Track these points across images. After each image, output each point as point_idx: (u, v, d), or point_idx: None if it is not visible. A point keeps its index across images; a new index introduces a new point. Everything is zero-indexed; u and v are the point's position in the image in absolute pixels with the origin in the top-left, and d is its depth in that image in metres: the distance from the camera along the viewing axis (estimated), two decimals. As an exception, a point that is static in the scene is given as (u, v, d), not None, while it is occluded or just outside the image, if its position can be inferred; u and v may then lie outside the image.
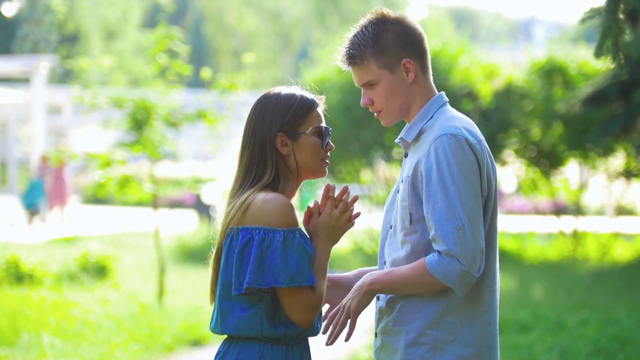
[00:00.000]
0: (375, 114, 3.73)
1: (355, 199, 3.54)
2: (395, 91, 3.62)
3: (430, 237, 3.43)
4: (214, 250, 3.44)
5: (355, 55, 3.63)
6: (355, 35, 3.64)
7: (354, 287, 3.51)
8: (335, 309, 3.53)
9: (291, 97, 3.47)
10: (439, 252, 3.39)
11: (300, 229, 3.38)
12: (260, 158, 3.39)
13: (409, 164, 3.59)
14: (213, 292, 3.45)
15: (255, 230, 3.27)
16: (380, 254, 3.68)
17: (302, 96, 3.51)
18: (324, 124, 3.54)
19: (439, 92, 3.70)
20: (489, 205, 3.52)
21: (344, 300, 3.51)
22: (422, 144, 3.55)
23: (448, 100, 3.71)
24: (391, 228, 3.64)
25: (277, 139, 3.41)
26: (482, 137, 3.55)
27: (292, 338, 3.39)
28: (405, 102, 3.64)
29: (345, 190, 3.50)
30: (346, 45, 3.66)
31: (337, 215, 3.47)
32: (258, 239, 3.26)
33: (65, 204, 24.02)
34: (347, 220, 3.48)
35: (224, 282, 3.32)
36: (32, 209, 23.96)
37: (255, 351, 3.34)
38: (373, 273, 3.50)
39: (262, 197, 3.31)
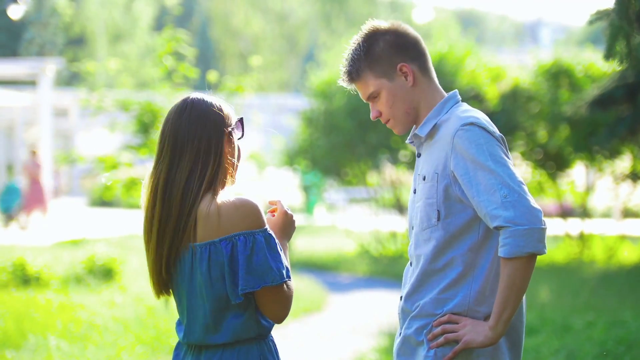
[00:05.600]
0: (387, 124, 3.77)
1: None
2: (398, 98, 3.66)
3: (492, 226, 3.42)
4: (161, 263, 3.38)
5: (351, 72, 3.69)
6: (349, 53, 3.70)
7: (483, 323, 3.51)
8: (453, 327, 3.55)
9: (220, 100, 3.46)
10: (497, 229, 3.40)
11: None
12: (208, 159, 3.35)
13: (426, 162, 3.63)
14: (158, 283, 3.43)
15: (236, 237, 3.27)
16: (409, 254, 3.72)
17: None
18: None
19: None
20: None
21: (467, 328, 3.51)
22: (439, 140, 3.59)
23: (461, 98, 3.74)
24: (412, 229, 3.68)
25: (225, 137, 3.40)
26: (500, 134, 3.58)
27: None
28: (410, 106, 3.67)
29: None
30: (343, 64, 3.72)
31: (290, 215, 3.53)
32: (241, 245, 3.27)
33: (45, 209, 23.89)
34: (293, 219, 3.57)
35: (214, 296, 3.31)
36: (8, 212, 23.99)
37: (256, 352, 3.38)
38: (489, 322, 3.49)
39: (230, 204, 3.30)
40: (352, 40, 3.71)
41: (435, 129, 3.63)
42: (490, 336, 3.45)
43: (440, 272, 3.58)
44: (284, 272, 3.30)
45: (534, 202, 3.38)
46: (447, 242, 3.55)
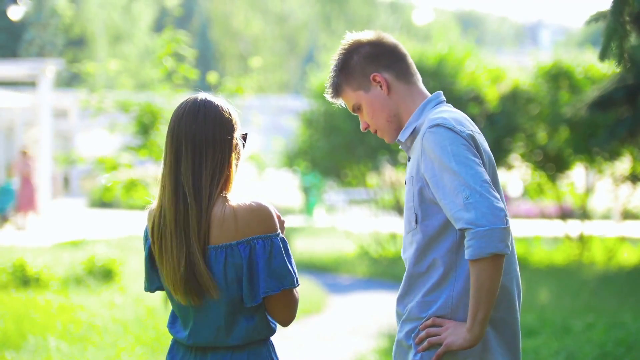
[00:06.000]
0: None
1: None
2: (377, 107, 3.71)
3: (457, 228, 3.43)
4: (181, 264, 3.32)
5: (332, 88, 3.78)
6: (330, 70, 3.79)
7: (463, 325, 3.51)
8: (436, 330, 3.56)
9: (227, 103, 3.46)
10: (461, 230, 3.41)
11: None
12: (223, 161, 3.37)
13: (409, 166, 3.66)
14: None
15: (254, 240, 3.29)
16: (402, 258, 3.75)
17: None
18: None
19: (444, 95, 3.74)
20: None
21: (449, 331, 3.52)
22: (417, 143, 3.61)
23: (444, 99, 3.75)
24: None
25: (234, 143, 3.40)
26: (473, 130, 3.57)
27: None
28: (390, 114, 3.71)
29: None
30: (327, 82, 3.81)
31: (282, 219, 3.51)
32: (260, 248, 3.28)
33: (35, 209, 23.84)
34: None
35: (228, 298, 3.32)
36: (2, 213, 23.98)
37: (265, 353, 3.40)
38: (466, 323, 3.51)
39: (246, 207, 3.30)
40: (333, 57, 3.79)
41: (415, 132, 3.65)
42: (468, 338, 3.47)
43: (425, 275, 3.61)
44: (297, 275, 3.34)
45: (497, 202, 3.38)
46: (427, 245, 3.58)
